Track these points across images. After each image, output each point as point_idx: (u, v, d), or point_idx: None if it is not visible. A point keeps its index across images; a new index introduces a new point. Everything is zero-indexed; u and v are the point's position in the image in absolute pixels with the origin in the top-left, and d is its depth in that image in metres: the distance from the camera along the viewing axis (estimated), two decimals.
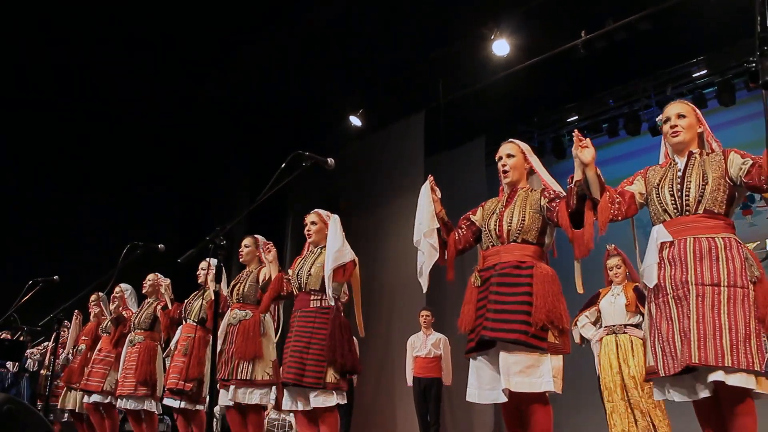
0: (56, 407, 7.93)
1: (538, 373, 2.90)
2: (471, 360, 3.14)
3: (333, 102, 11.97)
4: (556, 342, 2.95)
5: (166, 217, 12.17)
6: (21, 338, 8.74)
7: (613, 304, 5.13)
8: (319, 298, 4.22)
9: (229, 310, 4.91)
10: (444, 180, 11.45)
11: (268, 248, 4.72)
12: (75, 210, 10.96)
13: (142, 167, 11.66)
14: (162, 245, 4.54)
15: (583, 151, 2.90)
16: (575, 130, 3.10)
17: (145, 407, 6.10)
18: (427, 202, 3.37)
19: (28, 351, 9.41)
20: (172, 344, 5.69)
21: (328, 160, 3.20)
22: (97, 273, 5.21)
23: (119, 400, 6.16)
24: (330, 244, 4.24)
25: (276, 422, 8.90)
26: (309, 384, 4.03)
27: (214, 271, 5.33)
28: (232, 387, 4.63)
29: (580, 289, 3.25)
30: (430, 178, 3.46)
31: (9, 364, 9.26)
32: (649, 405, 4.76)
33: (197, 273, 5.72)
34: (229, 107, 11.83)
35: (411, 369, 7.71)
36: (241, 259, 5.16)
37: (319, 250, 4.43)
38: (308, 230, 4.52)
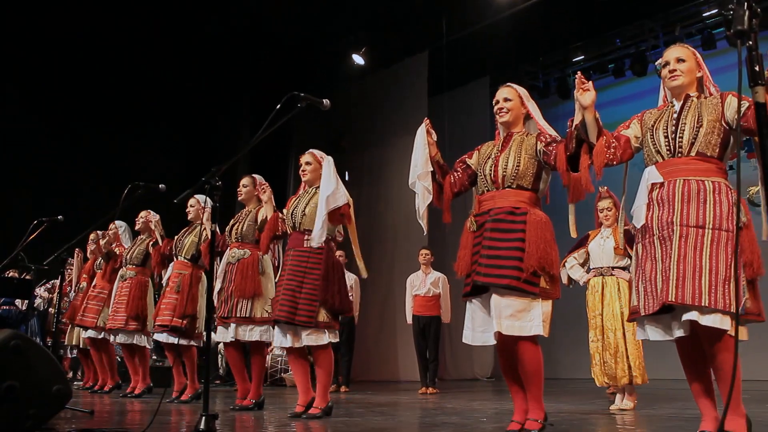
0: (64, 344, 8.12)
1: (528, 317, 2.96)
2: (467, 303, 3.19)
3: (336, 41, 11.82)
4: (547, 287, 3.00)
5: (169, 158, 12.19)
6: (28, 277, 8.89)
7: (602, 246, 5.14)
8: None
9: (228, 250, 4.94)
10: (448, 120, 11.49)
11: (263, 188, 4.74)
12: (79, 150, 10.99)
13: (144, 108, 11.61)
14: (163, 185, 4.55)
15: (584, 94, 2.88)
16: (578, 72, 3.04)
17: (135, 341, 6.16)
18: (422, 144, 3.36)
19: (37, 290, 9.57)
20: (164, 281, 5.72)
21: (324, 101, 3.19)
22: (101, 212, 5.25)
23: (110, 334, 6.25)
24: (324, 186, 4.23)
25: (279, 358, 9.10)
26: (301, 322, 4.08)
27: (203, 208, 5.47)
28: (232, 324, 4.69)
29: (573, 233, 3.28)
30: (426, 120, 3.42)
31: (18, 302, 9.43)
32: (630, 346, 4.82)
33: (186, 210, 5.71)
34: (232, 47, 11.69)
35: (410, 307, 7.81)
36: (240, 198, 5.14)
37: (313, 190, 4.43)
38: (303, 170, 4.51)
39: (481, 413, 4.62)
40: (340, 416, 4.32)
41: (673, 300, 2.54)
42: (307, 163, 4.50)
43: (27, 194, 10.02)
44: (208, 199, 5.02)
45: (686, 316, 2.55)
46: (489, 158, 3.27)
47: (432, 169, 3.34)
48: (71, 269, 7.54)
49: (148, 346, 6.37)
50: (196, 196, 5.58)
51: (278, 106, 2.95)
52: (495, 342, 3.05)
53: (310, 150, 4.58)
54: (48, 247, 5.28)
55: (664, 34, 10.40)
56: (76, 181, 10.66)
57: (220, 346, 9.10)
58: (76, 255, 7.43)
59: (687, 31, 10.37)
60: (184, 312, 5.32)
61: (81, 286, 7.28)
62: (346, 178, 12.86)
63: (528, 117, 3.34)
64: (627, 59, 10.89)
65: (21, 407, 2.81)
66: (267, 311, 4.63)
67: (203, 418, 2.68)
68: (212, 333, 5.41)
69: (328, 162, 4.33)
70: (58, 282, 8.08)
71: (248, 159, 12.05)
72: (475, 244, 3.14)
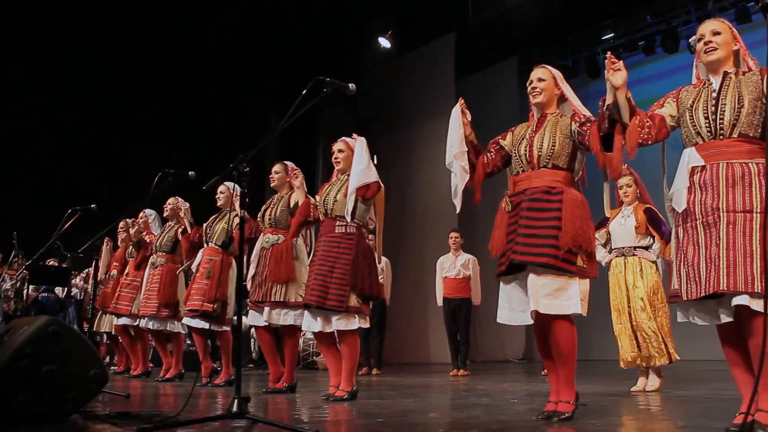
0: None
1: (566, 296, 2.96)
2: (501, 283, 3.19)
3: (362, 24, 11.78)
4: (584, 266, 3.00)
5: (197, 145, 12.30)
6: (65, 265, 9.07)
7: (623, 225, 5.00)
8: (344, 224, 4.26)
9: (261, 235, 5.00)
10: (476, 102, 11.31)
11: (295, 174, 4.81)
12: (110, 139, 11.14)
13: (173, 97, 11.71)
14: (192, 172, 4.59)
15: (615, 74, 2.86)
16: (609, 52, 3.02)
17: (168, 328, 6.28)
18: (457, 125, 3.37)
19: (74, 279, 9.77)
20: (194, 266, 5.78)
21: (350, 85, 3.18)
22: (133, 200, 5.33)
23: (142, 320, 6.34)
24: (355, 163, 4.27)
25: (312, 342, 9.19)
26: (331, 307, 4.12)
27: (232, 194, 5.48)
28: (266, 308, 4.76)
29: (607, 212, 3.30)
30: (461, 101, 3.43)
31: (57, 290, 9.64)
32: (657, 326, 4.72)
33: (216, 197, 5.77)
34: (258, 33, 11.72)
35: (441, 289, 7.82)
36: (272, 185, 5.21)
37: (345, 177, 4.44)
38: (336, 158, 4.53)
39: (512, 395, 4.62)
40: (372, 398, 4.36)
41: (725, 288, 2.48)
42: (340, 151, 4.53)
43: (61, 184, 10.19)
44: (236, 185, 5.07)
45: (737, 300, 2.48)
46: (523, 139, 3.27)
47: (467, 149, 3.35)
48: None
49: (182, 332, 6.45)
50: (225, 182, 5.67)
51: (304, 92, 2.96)
52: (532, 321, 3.05)
53: (343, 138, 4.59)
54: (82, 236, 5.39)
55: (696, 9, 10.16)
56: (108, 170, 10.82)
57: (253, 330, 9.22)
58: (105, 243, 7.56)
59: (721, 5, 10.11)
60: (215, 297, 5.36)
61: (112, 273, 7.41)
62: (375, 161, 12.86)
63: (562, 98, 3.33)
64: (658, 36, 10.67)
65: (61, 391, 2.88)
66: (300, 296, 4.65)
67: (236, 400, 2.71)
68: (243, 317, 5.50)
69: (360, 142, 4.34)
70: (92, 270, 8.23)
71: (276, 145, 12.12)
72: (510, 224, 3.14)
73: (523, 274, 3.06)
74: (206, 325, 5.48)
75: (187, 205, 6.17)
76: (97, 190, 8.94)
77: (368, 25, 11.79)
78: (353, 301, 4.13)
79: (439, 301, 7.90)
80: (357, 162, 4.26)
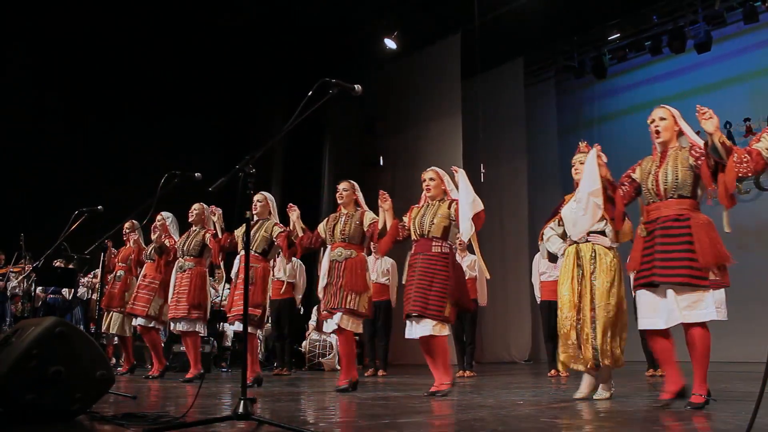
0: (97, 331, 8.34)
1: (702, 306, 3.43)
2: (637, 293, 3.70)
3: (368, 25, 11.79)
4: (716, 278, 3.43)
5: (204, 147, 12.32)
6: (72, 266, 9.10)
7: (575, 210, 4.29)
8: (439, 244, 4.80)
9: (328, 248, 5.36)
10: (481, 102, 11.40)
11: (384, 198, 5.07)
12: (117, 141, 11.16)
13: (180, 98, 11.73)
14: (199, 174, 4.62)
15: (707, 122, 3.38)
16: (697, 105, 3.50)
17: (196, 329, 6.43)
18: (594, 166, 3.91)
19: (81, 279, 9.80)
20: (233, 273, 5.95)
21: (355, 86, 3.18)
22: (138, 202, 5.34)
23: (173, 322, 6.42)
24: (465, 193, 4.70)
25: (317, 343, 9.23)
26: (432, 315, 4.68)
27: (269, 204, 5.95)
28: (338, 314, 5.14)
29: (726, 228, 3.59)
30: (597, 146, 4.00)
31: (65, 291, 9.67)
32: (610, 322, 4.12)
33: (253, 206, 5.84)
34: (265, 35, 11.75)
35: None
36: (339, 201, 5.47)
37: (437, 203, 4.92)
38: (427, 185, 4.97)
39: (518, 396, 4.61)
40: (378, 399, 4.36)
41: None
42: (431, 179, 4.99)
43: (67, 185, 10.22)
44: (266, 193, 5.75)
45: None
46: (650, 174, 3.76)
47: (602, 186, 3.91)
48: (114, 259, 7.69)
49: (204, 334, 6.62)
50: (263, 192, 6.05)
51: (309, 93, 2.97)
52: (664, 327, 3.56)
53: (432, 167, 5.11)
54: (89, 237, 5.40)
55: (704, 9, 10.12)
56: (114, 172, 10.84)
57: (259, 332, 9.25)
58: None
59: (728, 4, 10.07)
60: (259, 302, 5.65)
61: (119, 274, 7.45)
62: (380, 162, 12.87)
63: (680, 133, 3.79)
64: (664, 36, 10.65)
65: (67, 391, 2.90)
66: (365, 306, 5.22)
67: (242, 401, 2.72)
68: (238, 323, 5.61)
69: (462, 174, 4.81)
70: (99, 270, 8.26)
71: (283, 146, 12.14)
72: (645, 248, 3.66)
73: (659, 289, 3.56)
74: (253, 330, 5.73)
75: (220, 211, 6.27)
76: (104, 191, 8.96)
77: (374, 27, 11.80)
78: (448, 310, 4.71)
79: None
80: (465, 193, 4.70)
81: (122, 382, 6.19)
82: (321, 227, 5.53)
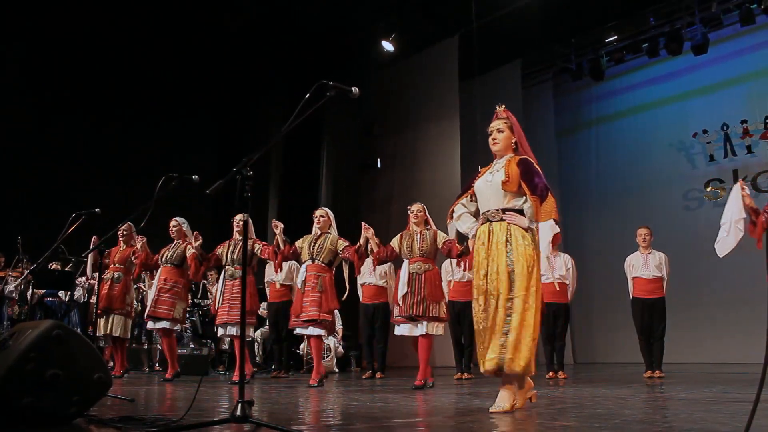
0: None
1: None
2: None
3: (366, 27, 11.79)
4: None
5: (202, 149, 12.32)
6: (69, 269, 9.09)
7: (490, 183, 3.69)
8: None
9: (407, 261, 6.04)
10: (479, 104, 11.40)
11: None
12: (115, 144, 11.16)
13: (177, 101, 11.74)
14: (196, 176, 4.62)
15: (745, 198, 4.75)
16: (740, 180, 4.62)
17: (250, 333, 7.04)
18: (739, 197, 4.88)
19: (77, 281, 9.78)
20: (299, 282, 6.24)
21: (353, 89, 3.19)
22: (136, 203, 5.34)
23: (228, 327, 6.58)
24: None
25: None
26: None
27: (330, 218, 6.44)
28: (425, 322, 5.91)
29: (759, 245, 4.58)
30: (741, 182, 4.99)
31: (62, 294, 9.65)
32: (522, 320, 3.44)
33: (316, 220, 6.34)
34: (263, 37, 11.75)
35: (446, 293, 7.78)
36: (414, 221, 6.18)
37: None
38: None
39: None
40: (376, 402, 4.36)
41: None
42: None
43: (65, 188, 10.21)
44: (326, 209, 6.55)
45: None
46: None
47: (745, 216, 4.90)
48: (105, 261, 7.68)
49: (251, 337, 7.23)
50: (323, 208, 6.70)
51: (307, 96, 2.97)
52: None
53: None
54: (86, 240, 5.40)
55: (701, 11, 10.15)
56: (112, 174, 10.84)
57: (256, 334, 9.26)
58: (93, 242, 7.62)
59: (724, 7, 10.10)
60: (331, 308, 6.13)
61: (116, 276, 7.44)
62: (378, 164, 12.87)
63: None
64: (661, 38, 10.68)
65: (64, 395, 2.88)
66: (444, 311, 6.01)
67: (239, 404, 2.71)
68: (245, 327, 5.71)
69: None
70: (97, 273, 8.25)
71: (280, 148, 12.13)
72: None
73: None
74: (322, 332, 6.17)
75: (282, 225, 6.47)
76: (101, 194, 8.96)
77: (373, 29, 11.80)
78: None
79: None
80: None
81: (119, 384, 6.17)
82: (394, 242, 6.21)
